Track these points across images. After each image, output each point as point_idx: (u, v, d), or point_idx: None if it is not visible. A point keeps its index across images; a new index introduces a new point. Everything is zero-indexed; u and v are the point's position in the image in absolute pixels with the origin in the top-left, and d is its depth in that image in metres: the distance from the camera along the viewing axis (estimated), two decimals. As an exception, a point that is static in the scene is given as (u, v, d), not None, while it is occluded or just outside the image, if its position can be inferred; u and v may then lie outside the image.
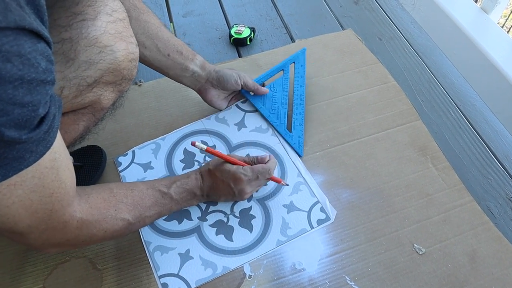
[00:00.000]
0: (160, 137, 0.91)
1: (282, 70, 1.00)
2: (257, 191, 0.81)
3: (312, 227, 0.78)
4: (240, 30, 1.14)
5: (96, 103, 0.62)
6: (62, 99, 0.55)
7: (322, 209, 0.80)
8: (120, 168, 0.86)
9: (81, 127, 0.65)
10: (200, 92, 0.89)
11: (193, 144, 0.72)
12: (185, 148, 0.89)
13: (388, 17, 1.25)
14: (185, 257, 0.74)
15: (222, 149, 0.88)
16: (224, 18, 1.25)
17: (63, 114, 0.60)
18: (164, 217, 0.78)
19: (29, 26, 0.37)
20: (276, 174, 0.83)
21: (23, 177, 0.43)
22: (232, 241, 0.76)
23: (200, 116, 0.95)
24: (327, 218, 0.79)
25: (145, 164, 0.87)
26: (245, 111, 0.95)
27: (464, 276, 0.72)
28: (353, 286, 0.71)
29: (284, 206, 0.80)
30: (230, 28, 1.18)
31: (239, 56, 1.13)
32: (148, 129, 0.92)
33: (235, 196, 0.75)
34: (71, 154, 0.85)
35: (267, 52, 1.12)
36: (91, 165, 0.84)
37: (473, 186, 0.84)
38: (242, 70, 0.94)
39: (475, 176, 0.86)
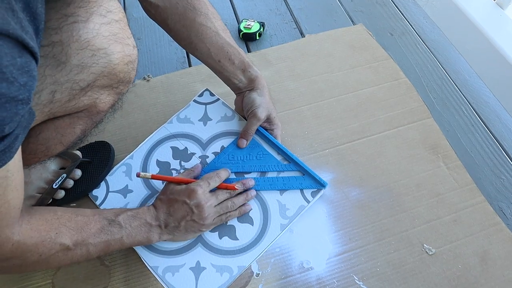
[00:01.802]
0: (127, 156, 0.86)
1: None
2: (218, 218, 0.74)
3: (308, 202, 0.78)
4: (249, 24, 1.13)
5: (92, 106, 0.60)
6: (54, 103, 0.53)
7: None
8: (97, 202, 0.80)
9: (78, 131, 0.62)
10: (236, 95, 0.86)
11: (137, 175, 0.72)
12: (157, 159, 0.85)
13: (400, 11, 1.22)
14: (197, 269, 0.72)
15: (194, 150, 0.85)
16: (233, 12, 1.24)
17: (58, 117, 0.58)
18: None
19: (13, 31, 0.35)
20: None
21: None
22: (238, 239, 0.75)
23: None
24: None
25: (123, 189, 0.82)
26: (205, 104, 0.91)
27: (474, 278, 0.71)
28: (361, 286, 0.70)
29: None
30: (239, 22, 1.17)
31: (248, 51, 1.12)
32: (157, 125, 0.91)
33: (193, 213, 0.69)
34: (79, 149, 0.85)
35: (276, 47, 1.11)
36: (99, 161, 0.84)
37: (485, 186, 0.83)
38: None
39: (487, 176, 0.85)
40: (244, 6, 1.26)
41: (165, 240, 0.72)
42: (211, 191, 0.73)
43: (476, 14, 1.28)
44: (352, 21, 1.19)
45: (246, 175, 0.81)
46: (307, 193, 0.79)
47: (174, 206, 0.69)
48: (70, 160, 0.80)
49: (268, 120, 0.82)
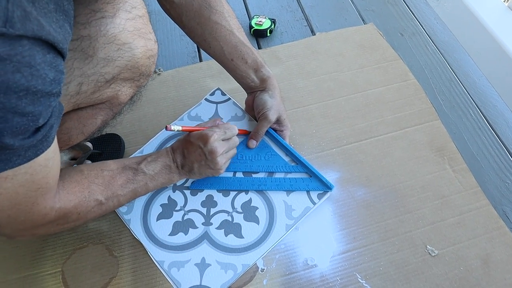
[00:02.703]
0: (137, 151, 0.87)
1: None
2: (229, 161, 0.77)
3: (314, 203, 0.79)
4: (260, 21, 1.13)
5: (114, 98, 0.63)
6: (81, 94, 0.56)
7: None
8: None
9: (99, 121, 0.65)
10: (248, 94, 0.86)
11: (167, 128, 0.68)
12: None
13: (411, 11, 1.22)
14: (202, 266, 0.73)
15: None
16: (245, 8, 1.25)
17: (81, 108, 0.61)
18: (169, 232, 0.76)
19: (45, 37, 0.37)
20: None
21: (16, 172, 0.43)
22: (243, 237, 0.76)
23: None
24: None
25: None
26: (216, 103, 0.93)
27: (476, 280, 0.72)
28: (364, 284, 0.72)
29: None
30: (250, 19, 1.17)
31: (259, 47, 1.12)
32: (167, 119, 0.93)
33: (207, 159, 0.71)
34: (90, 141, 0.86)
35: (286, 44, 1.11)
36: (109, 153, 0.85)
37: (490, 190, 0.84)
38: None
39: (492, 179, 0.85)
40: (256, 2, 1.26)
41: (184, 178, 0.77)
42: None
43: (487, 17, 1.28)
44: (363, 20, 1.19)
45: (254, 175, 0.82)
46: (314, 195, 0.80)
47: (189, 149, 0.72)
48: (81, 151, 0.81)
49: (278, 121, 0.83)
